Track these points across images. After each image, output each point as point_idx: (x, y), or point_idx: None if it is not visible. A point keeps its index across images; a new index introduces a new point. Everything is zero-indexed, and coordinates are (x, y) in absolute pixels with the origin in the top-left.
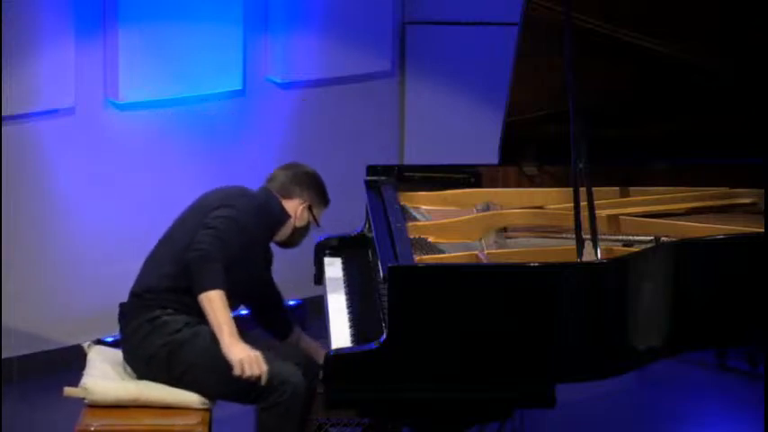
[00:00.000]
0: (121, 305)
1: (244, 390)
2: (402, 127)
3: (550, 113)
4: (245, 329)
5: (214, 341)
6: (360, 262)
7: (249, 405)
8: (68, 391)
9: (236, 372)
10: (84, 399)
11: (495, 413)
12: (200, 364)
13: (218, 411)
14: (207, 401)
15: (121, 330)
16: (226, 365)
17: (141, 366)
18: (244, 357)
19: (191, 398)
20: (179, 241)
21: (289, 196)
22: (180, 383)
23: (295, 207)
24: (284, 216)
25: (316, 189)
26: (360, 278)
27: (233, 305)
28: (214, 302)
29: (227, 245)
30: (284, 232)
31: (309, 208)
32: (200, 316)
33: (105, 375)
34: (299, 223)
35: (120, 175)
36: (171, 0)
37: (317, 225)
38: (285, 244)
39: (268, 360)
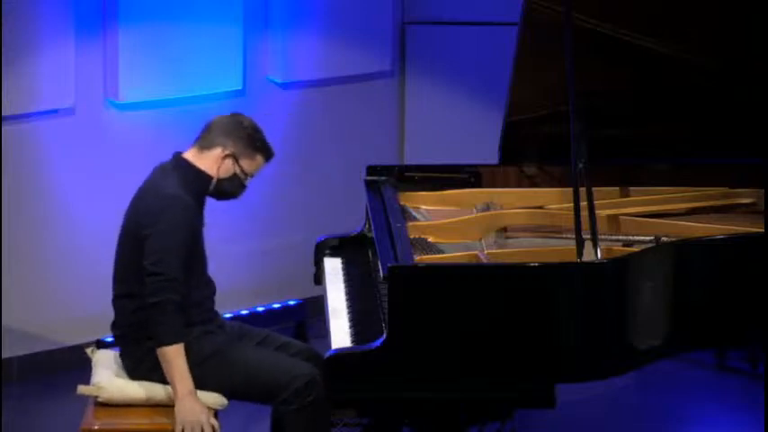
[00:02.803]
0: (114, 336)
1: (255, 388)
2: (402, 127)
3: (550, 113)
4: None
5: (226, 341)
6: (360, 262)
7: (264, 404)
8: (82, 389)
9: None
10: (96, 397)
11: (496, 413)
12: (212, 361)
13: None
14: (222, 402)
15: (122, 355)
16: (238, 363)
17: (147, 372)
18: (188, 421)
19: (206, 397)
20: (128, 279)
21: (209, 147)
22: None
23: (215, 158)
24: (206, 180)
25: (240, 137)
26: (360, 278)
27: (209, 288)
28: (169, 359)
29: (177, 276)
30: (212, 190)
31: (234, 157)
32: (196, 324)
33: (115, 375)
34: (223, 175)
35: (120, 174)
36: (171, 0)
37: (246, 177)
38: (220, 197)
39: (276, 359)
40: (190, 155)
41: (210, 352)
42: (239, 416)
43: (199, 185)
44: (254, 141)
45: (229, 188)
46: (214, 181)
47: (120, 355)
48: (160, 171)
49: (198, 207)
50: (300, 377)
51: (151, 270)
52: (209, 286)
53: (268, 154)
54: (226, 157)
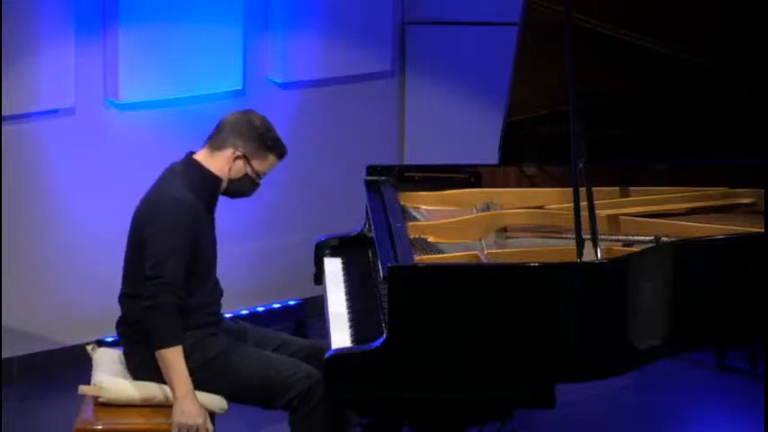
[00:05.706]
0: (119, 334)
1: (256, 392)
2: (402, 127)
3: (550, 113)
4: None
5: (229, 344)
6: (360, 262)
7: (265, 408)
8: (83, 389)
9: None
10: (98, 397)
11: (496, 413)
12: (215, 364)
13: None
14: (223, 405)
15: (126, 354)
16: (241, 366)
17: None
18: (185, 423)
19: (207, 400)
20: (132, 278)
21: (220, 147)
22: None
23: (227, 159)
24: (214, 183)
25: (252, 137)
26: (360, 278)
27: (216, 291)
28: (167, 361)
29: (174, 280)
30: (224, 190)
31: (245, 158)
32: (199, 327)
33: (115, 375)
34: (234, 175)
35: (120, 174)
36: (171, 0)
37: (257, 176)
38: (232, 197)
39: (278, 363)
40: (201, 156)
41: (214, 355)
42: (239, 421)
43: (207, 188)
44: (265, 141)
45: (241, 188)
46: (224, 182)
47: (124, 354)
48: (170, 172)
49: (205, 210)
50: (301, 381)
51: (149, 273)
52: (216, 290)
53: (280, 153)
54: (237, 158)
